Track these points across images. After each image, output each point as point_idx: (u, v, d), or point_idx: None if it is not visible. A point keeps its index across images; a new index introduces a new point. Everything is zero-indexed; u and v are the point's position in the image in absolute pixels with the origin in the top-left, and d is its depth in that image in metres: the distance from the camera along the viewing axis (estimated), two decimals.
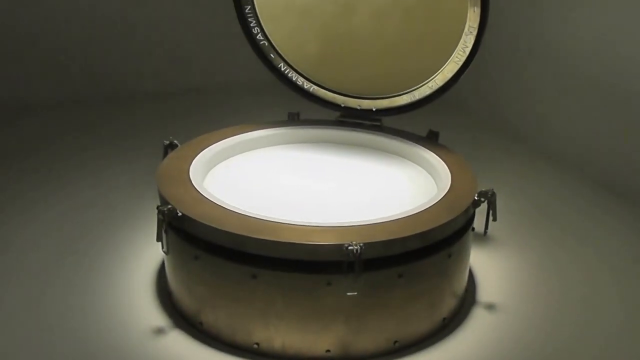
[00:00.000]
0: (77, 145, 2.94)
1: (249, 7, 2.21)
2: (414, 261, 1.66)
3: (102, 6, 3.50)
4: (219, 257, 1.66)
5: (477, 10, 1.98)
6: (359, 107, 2.29)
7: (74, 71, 3.51)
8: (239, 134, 2.21)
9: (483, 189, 1.83)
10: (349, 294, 1.60)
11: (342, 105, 2.31)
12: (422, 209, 1.74)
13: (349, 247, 1.55)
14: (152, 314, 1.87)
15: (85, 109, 3.35)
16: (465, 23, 2.02)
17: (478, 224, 1.90)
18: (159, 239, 1.72)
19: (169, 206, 1.70)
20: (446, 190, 1.85)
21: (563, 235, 2.34)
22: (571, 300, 1.99)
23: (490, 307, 1.93)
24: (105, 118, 3.28)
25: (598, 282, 2.08)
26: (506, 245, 2.25)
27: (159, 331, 1.80)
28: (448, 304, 1.82)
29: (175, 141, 2.09)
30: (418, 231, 1.64)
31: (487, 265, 2.13)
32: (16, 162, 2.76)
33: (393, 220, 1.68)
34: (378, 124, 2.28)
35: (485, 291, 2.00)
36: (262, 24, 2.25)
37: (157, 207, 1.71)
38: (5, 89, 3.34)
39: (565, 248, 2.26)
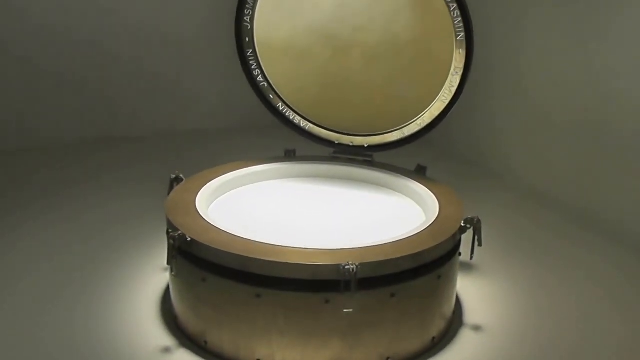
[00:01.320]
0: (82, 181, 3.10)
1: (251, 50, 2.38)
2: (405, 281, 1.79)
3: (108, 46, 3.68)
4: (226, 278, 1.78)
5: (463, 52, 2.16)
6: (351, 144, 2.45)
7: (81, 112, 3.69)
8: (240, 169, 2.35)
9: (469, 216, 1.98)
10: (345, 310, 1.72)
11: (336, 142, 2.46)
12: (413, 234, 1.89)
13: (346, 267, 1.68)
14: (158, 335, 1.98)
15: (88, 149, 3.52)
16: (451, 64, 2.19)
17: (466, 251, 2.04)
18: (169, 262, 1.85)
19: (179, 232, 1.83)
20: (435, 217, 2.00)
21: (546, 263, 2.48)
22: (554, 323, 2.11)
23: (476, 328, 2.06)
24: (110, 157, 3.45)
25: (580, 306, 2.22)
26: (491, 272, 2.40)
27: (166, 350, 1.91)
28: (437, 324, 1.95)
29: (181, 175, 2.23)
30: (409, 253, 1.78)
31: (473, 291, 2.26)
32: (32, 197, 2.92)
33: (386, 243, 1.82)
34: (370, 159, 2.44)
35: (472, 314, 2.13)
36: (263, 67, 2.42)
37: (168, 233, 1.84)
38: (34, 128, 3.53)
39: (548, 275, 2.39)
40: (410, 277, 1.80)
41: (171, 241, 1.82)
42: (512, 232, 2.72)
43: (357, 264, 1.69)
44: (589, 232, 2.74)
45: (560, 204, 2.96)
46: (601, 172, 2.80)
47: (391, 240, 1.84)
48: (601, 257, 2.54)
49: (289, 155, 2.49)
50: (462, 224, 1.97)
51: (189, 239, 1.82)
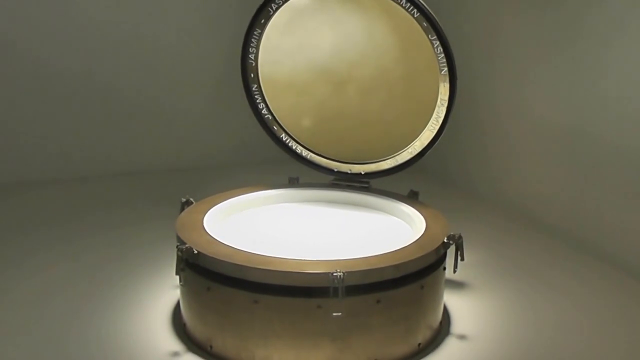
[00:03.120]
0: (97, 213, 3.36)
1: (256, 85, 2.62)
2: (389, 289, 1.98)
3: (118, 84, 3.97)
4: (228, 286, 1.98)
5: (447, 85, 2.36)
6: (349, 172, 2.65)
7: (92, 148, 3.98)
8: (245, 194, 2.57)
9: (452, 233, 2.17)
10: (334, 314, 1.91)
11: (335, 170, 2.67)
12: (398, 248, 2.07)
13: (334, 274, 1.87)
14: (169, 342, 2.17)
15: (97, 184, 3.81)
16: (437, 96, 2.40)
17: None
18: (177, 273, 2.05)
19: (187, 245, 2.04)
20: (420, 234, 2.18)
21: (530, 281, 2.64)
22: (536, 334, 2.26)
23: (462, 337, 2.22)
24: (123, 190, 3.73)
25: (561, 319, 2.36)
26: (479, 288, 2.56)
27: (175, 354, 2.10)
28: (423, 331, 2.12)
29: (191, 199, 2.45)
30: (392, 263, 1.97)
31: (461, 304, 2.43)
32: (47, 226, 3.17)
33: (372, 255, 2.01)
34: (367, 185, 2.64)
35: (459, 325, 2.30)
36: (267, 101, 2.65)
37: (177, 246, 2.05)
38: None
39: (532, 292, 2.55)
40: (394, 286, 1.98)
41: (179, 253, 2.02)
42: (499, 252, 2.91)
43: (344, 271, 1.88)
44: (573, 252, 2.91)
45: (546, 225, 3.15)
46: (585, 195, 2.97)
47: (377, 253, 2.02)
48: (583, 275, 2.70)
49: (292, 182, 2.70)
50: (445, 240, 2.15)
51: (195, 251, 2.02)
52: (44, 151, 3.87)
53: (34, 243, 2.95)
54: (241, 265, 1.94)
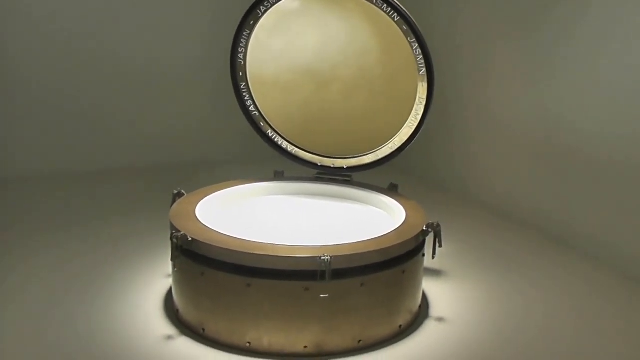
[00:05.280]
0: (89, 209, 3.46)
1: (244, 84, 2.75)
2: (373, 273, 2.12)
3: (115, 86, 4.10)
4: (221, 271, 2.10)
5: (425, 84, 2.51)
6: (332, 166, 2.79)
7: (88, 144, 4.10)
8: (234, 186, 2.69)
9: (430, 222, 2.31)
10: (322, 296, 2.04)
11: (319, 164, 2.80)
12: (381, 235, 2.22)
13: (322, 258, 2.01)
14: (162, 326, 2.28)
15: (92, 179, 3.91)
16: (416, 95, 2.55)
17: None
18: (173, 259, 2.17)
19: (182, 233, 2.16)
20: (401, 223, 2.33)
21: (506, 270, 2.81)
22: (509, 318, 2.43)
23: (440, 319, 2.37)
24: (113, 186, 3.82)
25: (533, 304, 2.53)
26: (457, 277, 2.72)
27: (169, 338, 2.22)
28: (404, 314, 2.26)
29: (183, 191, 2.57)
30: (375, 249, 2.11)
31: (440, 291, 2.58)
32: (46, 218, 3.26)
33: (357, 241, 2.15)
34: (349, 179, 2.78)
35: (437, 309, 2.44)
36: (255, 99, 2.78)
37: (172, 234, 2.17)
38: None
39: (506, 280, 2.71)
40: (377, 270, 2.12)
41: (174, 240, 2.14)
42: (474, 244, 3.08)
43: (331, 256, 2.01)
44: (543, 245, 3.10)
45: (519, 219, 3.34)
46: (559, 190, 3.15)
47: (361, 239, 2.16)
48: (556, 265, 2.87)
49: (278, 176, 2.83)
50: (424, 228, 2.29)
51: (190, 238, 2.14)
52: (39, 146, 3.99)
53: (28, 233, 3.05)
54: (235, 251, 2.07)
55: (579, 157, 3.02)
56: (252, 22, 2.63)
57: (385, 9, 2.46)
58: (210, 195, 2.57)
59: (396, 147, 2.66)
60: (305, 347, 2.10)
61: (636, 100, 2.73)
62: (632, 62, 2.73)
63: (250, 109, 2.79)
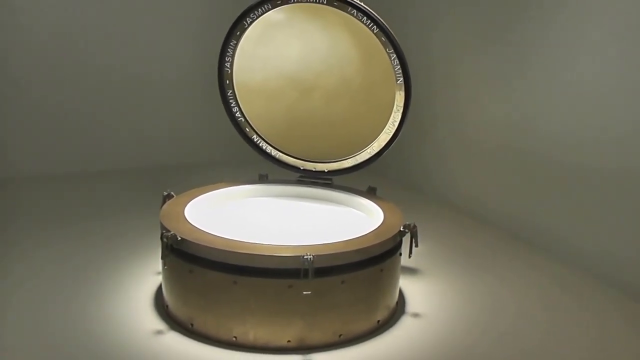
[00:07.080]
0: (82, 209, 3.57)
1: (230, 91, 2.87)
2: (353, 271, 2.25)
3: (107, 92, 4.25)
4: (208, 268, 2.22)
5: (402, 93, 2.65)
6: (314, 169, 2.91)
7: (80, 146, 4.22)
8: (221, 189, 2.81)
9: (407, 223, 2.45)
10: (304, 293, 2.17)
11: (301, 168, 2.93)
12: (360, 235, 2.35)
13: (305, 257, 2.13)
14: (152, 322, 2.40)
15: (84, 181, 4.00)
16: (394, 103, 2.68)
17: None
18: (163, 257, 2.28)
19: (171, 232, 2.28)
20: (379, 224, 2.46)
21: (477, 269, 2.95)
22: (481, 314, 2.57)
23: (416, 315, 2.51)
24: (105, 187, 3.93)
25: (501, 298, 2.68)
26: (431, 275, 2.87)
27: (158, 332, 2.33)
28: (382, 310, 2.39)
29: (172, 192, 2.69)
30: (355, 248, 2.24)
31: (416, 288, 2.72)
32: (41, 217, 3.37)
33: (338, 241, 2.28)
34: (329, 182, 2.91)
35: (413, 305, 2.58)
36: (240, 105, 2.90)
37: (162, 234, 2.28)
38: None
39: (478, 279, 2.86)
40: (356, 268, 2.25)
41: (164, 240, 2.25)
42: (448, 244, 3.23)
43: (313, 255, 2.14)
44: (516, 243, 3.27)
45: (490, 221, 3.51)
46: (526, 192, 3.31)
47: (342, 239, 2.29)
48: (525, 264, 3.03)
49: (263, 179, 2.95)
50: (401, 229, 2.43)
51: (179, 237, 2.26)
52: (31, 148, 4.11)
53: (23, 232, 3.16)
54: (222, 250, 2.19)
55: (544, 160, 3.18)
56: (238, 33, 2.75)
57: (364, 21, 2.59)
58: (199, 197, 2.68)
59: (374, 152, 2.79)
60: (289, 341, 2.23)
61: (596, 106, 2.89)
62: (594, 70, 2.90)
63: (236, 115, 2.90)
